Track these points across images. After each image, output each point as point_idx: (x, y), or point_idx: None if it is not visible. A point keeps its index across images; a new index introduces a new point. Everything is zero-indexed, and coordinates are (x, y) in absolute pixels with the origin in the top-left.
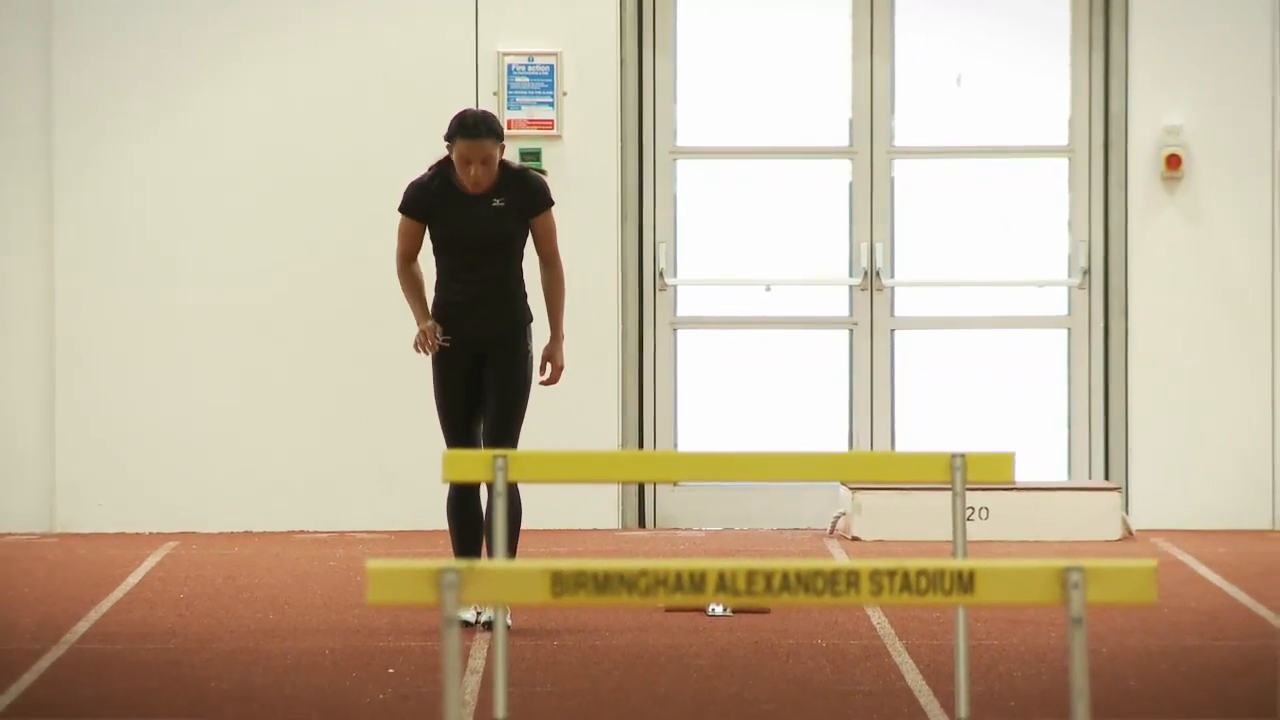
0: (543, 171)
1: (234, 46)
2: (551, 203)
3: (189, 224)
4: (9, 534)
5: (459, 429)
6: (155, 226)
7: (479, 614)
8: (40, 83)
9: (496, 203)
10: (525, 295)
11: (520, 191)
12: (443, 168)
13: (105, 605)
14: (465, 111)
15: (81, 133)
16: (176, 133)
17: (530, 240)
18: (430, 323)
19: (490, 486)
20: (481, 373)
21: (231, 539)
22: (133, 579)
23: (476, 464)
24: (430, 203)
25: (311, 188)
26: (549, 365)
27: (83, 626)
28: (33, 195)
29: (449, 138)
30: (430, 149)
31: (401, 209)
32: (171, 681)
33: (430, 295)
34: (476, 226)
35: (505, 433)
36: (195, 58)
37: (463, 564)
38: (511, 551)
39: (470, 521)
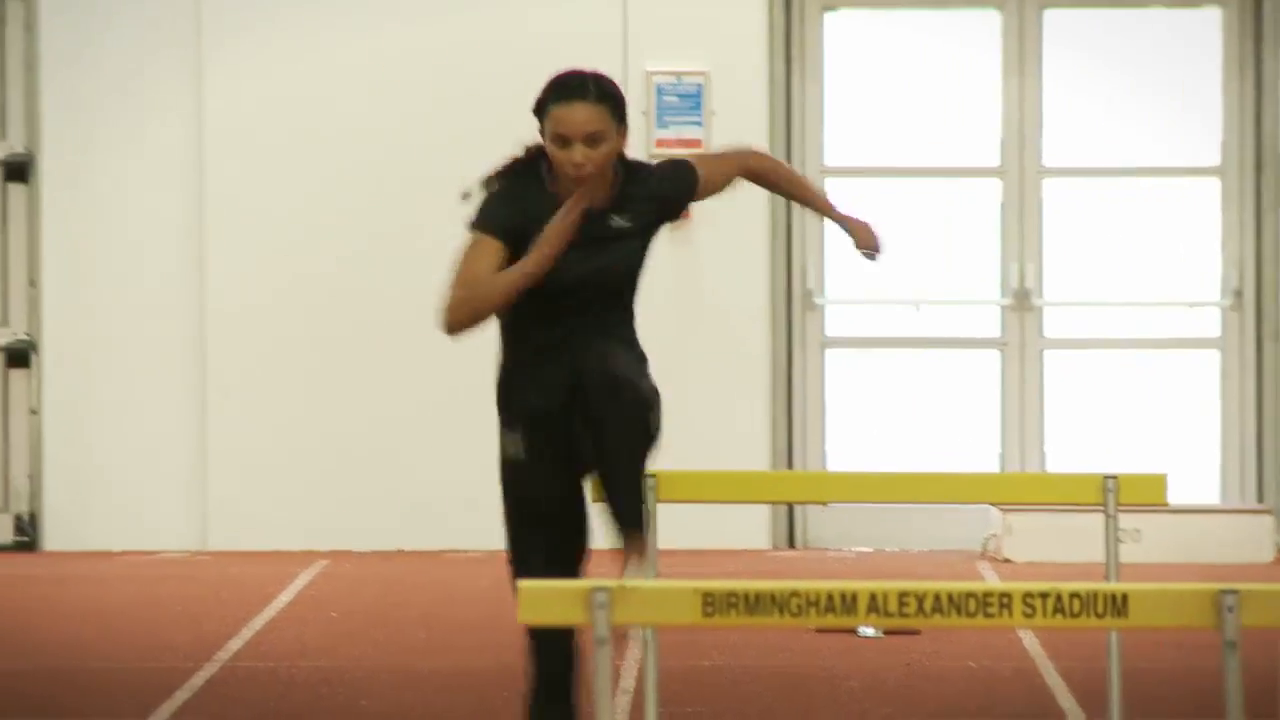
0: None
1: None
2: (696, 173)
3: (334, 249)
4: (162, 552)
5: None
6: (301, 251)
7: None
8: (192, 100)
9: (617, 221)
10: (643, 354)
11: (649, 193)
12: (531, 168)
13: (257, 623)
14: (563, 71)
15: (230, 152)
16: (322, 169)
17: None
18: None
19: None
20: (579, 485)
21: (383, 558)
22: (284, 597)
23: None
24: (523, 219)
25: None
26: (865, 234)
27: (235, 644)
28: (184, 221)
29: (539, 109)
30: None
31: (476, 224)
32: (323, 700)
33: (492, 368)
34: (584, 263)
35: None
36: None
37: (613, 583)
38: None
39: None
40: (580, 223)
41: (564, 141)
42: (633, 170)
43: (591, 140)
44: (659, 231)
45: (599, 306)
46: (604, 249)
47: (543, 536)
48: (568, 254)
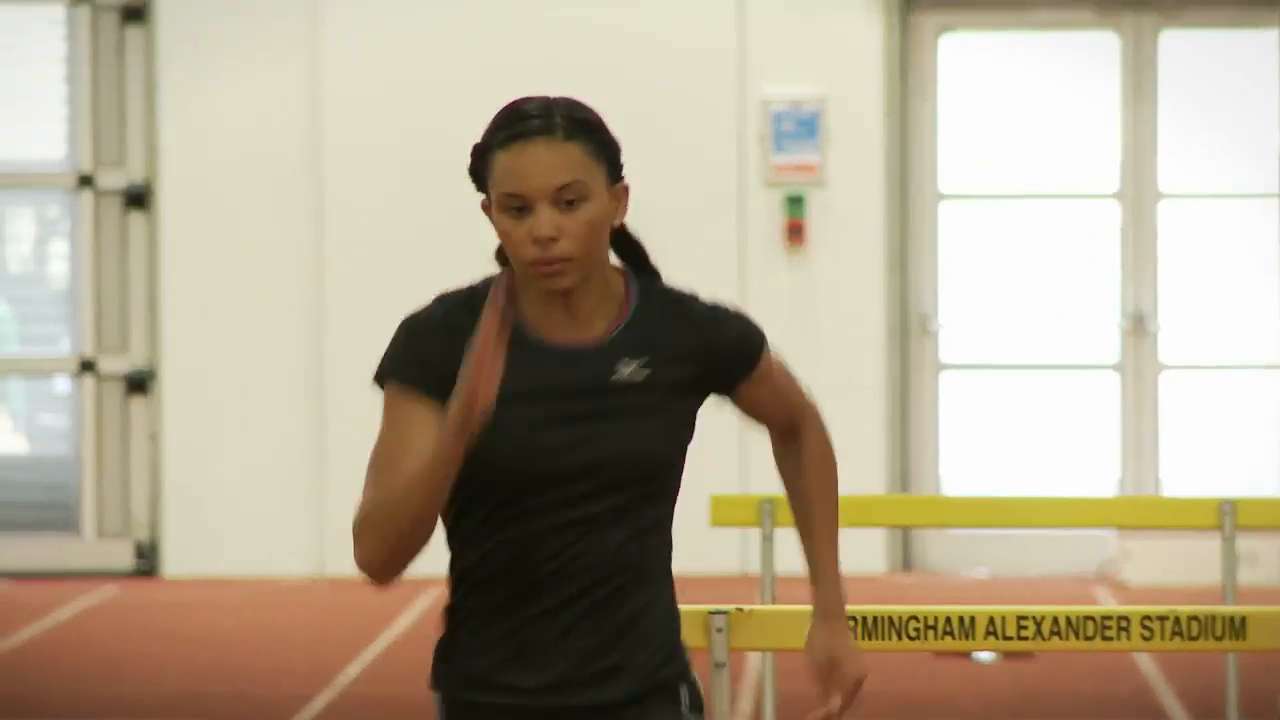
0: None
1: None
2: (764, 337)
3: (456, 279)
4: (280, 578)
5: None
6: (422, 281)
7: None
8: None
9: (623, 370)
10: (678, 612)
11: (694, 337)
12: (479, 295)
13: (376, 648)
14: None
15: (350, 181)
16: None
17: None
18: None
19: None
20: None
21: None
22: (402, 622)
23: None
24: (454, 357)
25: None
26: (833, 671)
27: (354, 669)
28: (303, 248)
29: (477, 162)
30: (689, 190)
31: (391, 373)
32: None
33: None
34: (572, 447)
35: None
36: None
37: (731, 607)
38: None
39: None
40: (564, 370)
41: (519, 207)
42: (656, 292)
43: (564, 200)
44: (699, 406)
45: (609, 517)
46: (608, 417)
47: None
48: (541, 421)
